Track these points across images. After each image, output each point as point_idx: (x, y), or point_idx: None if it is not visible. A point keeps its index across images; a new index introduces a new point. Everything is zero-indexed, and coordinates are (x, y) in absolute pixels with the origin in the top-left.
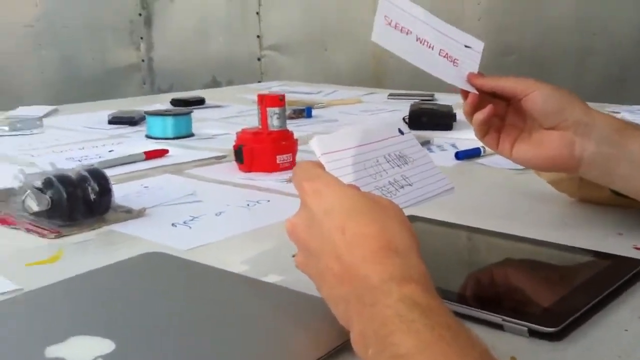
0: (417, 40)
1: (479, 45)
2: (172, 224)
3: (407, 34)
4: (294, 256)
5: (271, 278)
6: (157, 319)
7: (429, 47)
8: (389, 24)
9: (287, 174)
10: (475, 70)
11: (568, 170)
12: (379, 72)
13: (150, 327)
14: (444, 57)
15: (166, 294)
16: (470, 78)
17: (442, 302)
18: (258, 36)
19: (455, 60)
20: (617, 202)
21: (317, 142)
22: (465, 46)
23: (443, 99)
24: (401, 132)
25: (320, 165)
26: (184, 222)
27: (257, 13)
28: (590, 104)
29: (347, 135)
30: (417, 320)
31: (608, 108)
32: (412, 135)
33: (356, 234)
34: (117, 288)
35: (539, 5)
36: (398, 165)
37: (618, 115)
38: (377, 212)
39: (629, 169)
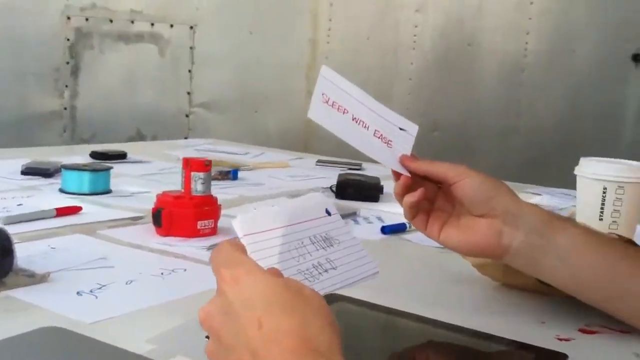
0: (353, 119)
1: (413, 129)
2: (78, 293)
3: (343, 113)
4: (207, 337)
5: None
6: None
7: (365, 127)
8: (327, 101)
9: (207, 241)
10: (409, 152)
11: (494, 257)
12: (308, 137)
13: None
14: (379, 138)
15: None
16: (403, 161)
17: None
18: (188, 92)
19: (390, 142)
20: (541, 289)
21: (239, 222)
22: (400, 129)
23: (371, 168)
24: (328, 213)
25: (241, 248)
26: (91, 291)
27: (190, 70)
28: (513, 184)
29: (271, 215)
30: None
31: (530, 189)
32: (339, 216)
33: (274, 330)
34: None
35: (467, 85)
36: (323, 248)
37: (539, 197)
38: (298, 306)
39: (555, 261)
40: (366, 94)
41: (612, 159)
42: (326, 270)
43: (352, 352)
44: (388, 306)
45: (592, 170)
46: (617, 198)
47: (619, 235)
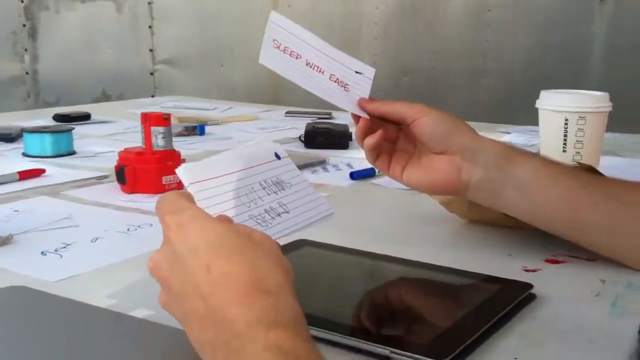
0: (307, 64)
1: (370, 72)
2: (42, 253)
3: (296, 58)
4: None
5: (141, 312)
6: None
7: (319, 71)
8: (278, 47)
9: None
10: (366, 95)
11: (456, 193)
12: (277, 89)
13: None
14: (335, 82)
15: (27, 333)
16: (360, 103)
17: (312, 346)
18: (151, 50)
19: (346, 85)
20: (507, 222)
21: (184, 170)
22: (356, 72)
23: (341, 117)
24: (278, 157)
25: (187, 197)
26: (55, 250)
27: (150, 27)
28: (483, 124)
29: (218, 161)
30: None
31: (499, 128)
32: (289, 159)
33: (222, 274)
34: None
35: (434, 27)
36: (274, 192)
37: (509, 136)
38: (247, 249)
39: (514, 193)
40: (319, 39)
41: (572, 90)
42: (279, 214)
43: (323, 294)
44: (357, 248)
45: (553, 102)
46: (579, 129)
47: (579, 163)
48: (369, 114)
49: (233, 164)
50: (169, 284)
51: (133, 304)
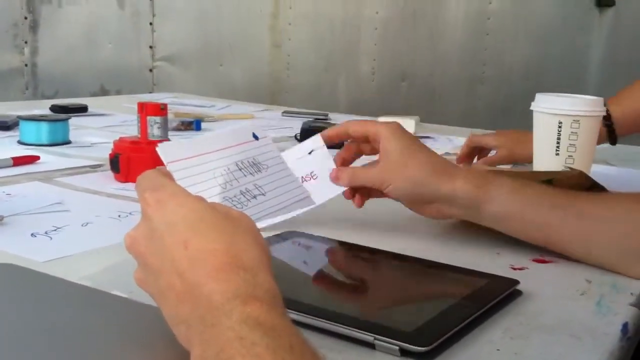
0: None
1: (316, 142)
2: (32, 234)
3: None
4: None
5: (126, 290)
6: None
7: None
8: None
9: None
10: (332, 165)
11: None
12: (275, 89)
13: None
14: (307, 180)
15: (13, 310)
16: (333, 178)
17: (289, 321)
18: (151, 47)
19: (314, 176)
20: None
21: (162, 149)
22: (309, 152)
23: (337, 118)
24: (256, 137)
25: (167, 175)
26: (45, 233)
27: (151, 23)
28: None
29: (197, 142)
30: (259, 342)
31: None
32: (269, 139)
33: (200, 250)
34: None
35: (433, 33)
36: (251, 174)
37: None
38: (225, 226)
39: (489, 223)
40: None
41: (567, 94)
42: (254, 197)
43: (310, 282)
44: (344, 240)
45: (548, 105)
46: (572, 132)
47: (570, 168)
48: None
49: (211, 144)
50: (145, 260)
51: (107, 286)
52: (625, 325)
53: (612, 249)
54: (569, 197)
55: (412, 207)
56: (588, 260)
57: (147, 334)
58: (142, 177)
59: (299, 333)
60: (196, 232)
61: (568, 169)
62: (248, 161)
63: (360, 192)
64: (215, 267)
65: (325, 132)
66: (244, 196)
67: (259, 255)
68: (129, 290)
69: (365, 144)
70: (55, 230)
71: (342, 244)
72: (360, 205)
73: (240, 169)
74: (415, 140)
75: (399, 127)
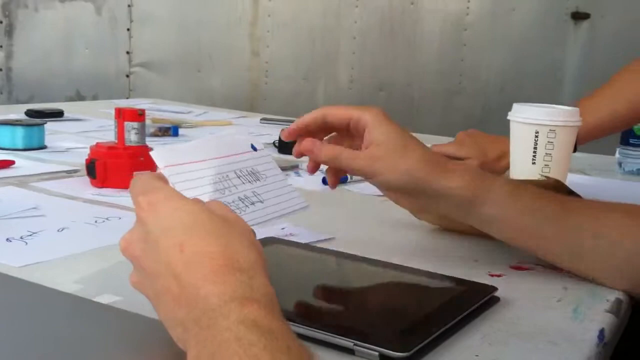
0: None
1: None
2: (7, 239)
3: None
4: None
5: (105, 298)
6: None
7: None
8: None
9: None
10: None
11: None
12: (254, 97)
13: None
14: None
15: None
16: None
17: (286, 324)
18: (128, 52)
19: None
20: (475, 231)
21: (158, 153)
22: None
23: None
24: (254, 149)
25: (161, 178)
26: (21, 237)
27: (128, 29)
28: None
29: (193, 147)
30: (256, 343)
31: None
32: (266, 152)
33: (196, 252)
34: None
35: (411, 44)
36: (249, 182)
37: None
38: (220, 229)
39: (479, 225)
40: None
41: (544, 104)
42: (253, 203)
43: (290, 288)
44: (326, 248)
45: (525, 115)
46: (549, 142)
47: (547, 177)
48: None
49: (208, 152)
50: (141, 263)
51: (99, 290)
52: (601, 332)
53: (603, 264)
54: (565, 208)
55: (395, 198)
56: (575, 272)
57: (122, 339)
58: (135, 180)
59: (295, 336)
60: (192, 235)
61: (544, 178)
62: (246, 170)
63: (331, 172)
64: (212, 270)
65: (298, 121)
66: (242, 202)
67: (255, 258)
68: (106, 296)
69: (344, 139)
70: (30, 235)
71: (322, 250)
72: (335, 185)
73: (238, 177)
74: (404, 129)
75: (383, 112)
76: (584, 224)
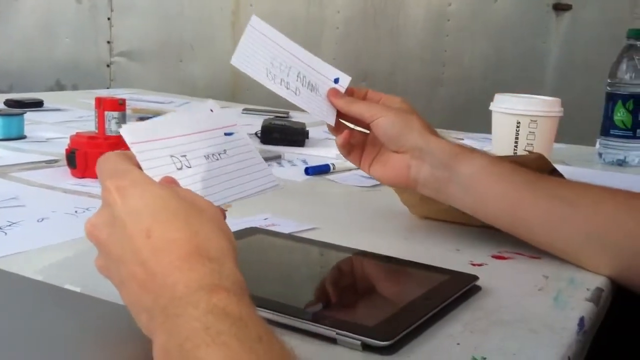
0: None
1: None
2: None
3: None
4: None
5: (80, 284)
6: None
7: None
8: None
9: None
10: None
11: (408, 188)
12: (236, 87)
13: None
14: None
15: None
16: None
17: (256, 312)
18: (108, 42)
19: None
20: (455, 218)
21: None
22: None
23: (298, 117)
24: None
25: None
26: (0, 228)
27: (109, 18)
28: (438, 131)
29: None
30: (226, 332)
31: (453, 135)
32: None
33: (163, 239)
34: None
35: (394, 34)
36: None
37: (461, 141)
38: (189, 215)
39: (458, 190)
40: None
41: (525, 95)
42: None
43: (272, 278)
44: (309, 238)
45: (506, 105)
46: (530, 132)
47: (530, 152)
48: (337, 109)
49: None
50: (107, 248)
51: (60, 281)
52: (582, 320)
53: (577, 236)
54: (542, 178)
55: (387, 153)
56: (549, 247)
57: (102, 328)
58: (102, 160)
59: (267, 324)
60: (159, 220)
61: (528, 152)
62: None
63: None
64: (179, 257)
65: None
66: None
67: (225, 245)
68: (84, 285)
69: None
70: (10, 225)
71: (305, 240)
72: (348, 140)
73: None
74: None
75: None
76: (561, 192)
